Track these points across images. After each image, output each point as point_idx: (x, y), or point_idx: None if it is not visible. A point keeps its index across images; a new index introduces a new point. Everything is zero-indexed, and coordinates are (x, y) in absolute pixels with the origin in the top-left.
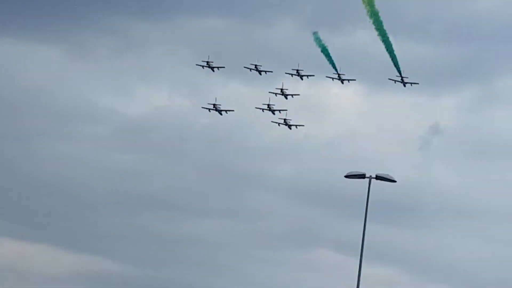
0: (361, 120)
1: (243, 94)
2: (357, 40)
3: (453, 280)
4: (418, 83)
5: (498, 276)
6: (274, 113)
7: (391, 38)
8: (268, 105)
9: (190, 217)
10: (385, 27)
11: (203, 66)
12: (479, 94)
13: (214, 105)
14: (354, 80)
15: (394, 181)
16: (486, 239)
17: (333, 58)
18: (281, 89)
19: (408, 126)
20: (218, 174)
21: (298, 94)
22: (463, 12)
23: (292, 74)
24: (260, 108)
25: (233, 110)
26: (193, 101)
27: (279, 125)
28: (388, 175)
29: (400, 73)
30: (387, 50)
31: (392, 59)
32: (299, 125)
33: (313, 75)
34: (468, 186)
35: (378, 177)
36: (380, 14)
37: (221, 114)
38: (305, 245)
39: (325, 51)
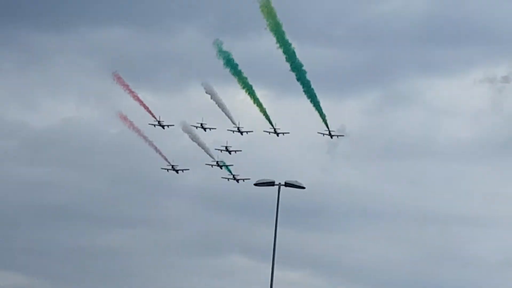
0: (268, 125)
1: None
2: (260, 47)
3: (362, 281)
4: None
5: (405, 277)
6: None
7: (293, 44)
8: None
9: (103, 228)
10: (286, 34)
11: (167, 169)
12: (382, 96)
13: (172, 166)
14: (288, 133)
15: (303, 188)
16: (393, 240)
17: (237, 64)
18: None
19: (315, 131)
20: (129, 184)
21: (240, 150)
22: (365, 16)
23: (233, 131)
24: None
25: (188, 169)
26: (101, 111)
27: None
28: (296, 181)
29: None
30: (286, 56)
31: (291, 66)
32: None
33: (252, 131)
34: (375, 188)
35: (287, 184)
36: (281, 20)
37: (177, 172)
38: (218, 251)
39: (228, 60)
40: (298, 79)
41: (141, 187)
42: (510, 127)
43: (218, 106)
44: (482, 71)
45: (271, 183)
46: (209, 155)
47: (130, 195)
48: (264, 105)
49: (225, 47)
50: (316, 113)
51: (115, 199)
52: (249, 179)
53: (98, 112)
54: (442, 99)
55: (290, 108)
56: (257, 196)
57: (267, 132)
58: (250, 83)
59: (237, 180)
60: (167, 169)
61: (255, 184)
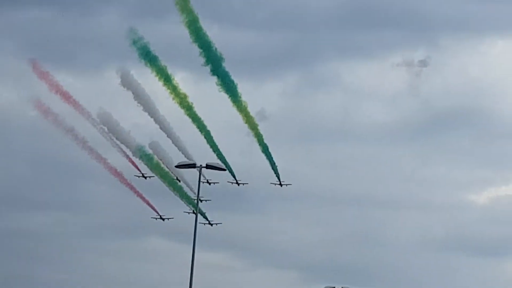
0: (190, 111)
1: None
2: (176, 32)
3: (283, 263)
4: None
5: (324, 258)
6: None
7: (214, 27)
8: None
9: (21, 211)
10: (202, 17)
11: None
12: (302, 79)
13: (160, 216)
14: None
15: (224, 169)
16: (312, 222)
17: (153, 51)
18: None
19: (235, 113)
20: (48, 166)
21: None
22: None
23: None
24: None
25: (172, 218)
26: (19, 94)
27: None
28: (218, 163)
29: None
30: (199, 40)
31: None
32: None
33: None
34: (295, 170)
35: (208, 166)
36: (197, 3)
37: (163, 220)
38: (138, 234)
39: (142, 46)
40: (212, 65)
41: (59, 171)
42: (427, 111)
43: (133, 93)
44: (400, 55)
45: (192, 165)
46: (127, 145)
47: (48, 179)
48: (183, 90)
49: (141, 32)
50: (236, 98)
51: (33, 183)
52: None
53: (16, 95)
54: (361, 82)
55: (208, 93)
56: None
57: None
58: (166, 68)
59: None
60: (156, 218)
61: (176, 166)
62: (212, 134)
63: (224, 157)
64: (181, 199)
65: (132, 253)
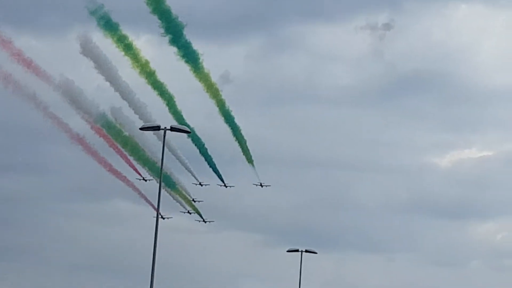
0: (151, 77)
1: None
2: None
3: (249, 226)
4: None
5: (290, 221)
6: None
7: None
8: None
9: None
10: None
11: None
12: (266, 42)
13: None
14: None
15: (189, 132)
16: (277, 185)
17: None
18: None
19: (200, 76)
20: (11, 131)
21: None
22: None
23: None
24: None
25: (171, 217)
26: None
27: None
28: (182, 126)
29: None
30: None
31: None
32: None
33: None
34: (260, 134)
35: (172, 129)
36: None
37: (164, 219)
38: (102, 196)
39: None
40: (172, 35)
41: (22, 135)
42: (390, 74)
43: (94, 60)
44: (364, 18)
45: (157, 127)
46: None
47: (11, 143)
48: (144, 58)
49: (101, 0)
50: (198, 67)
51: None
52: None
53: None
54: (325, 45)
55: (170, 60)
56: (143, 141)
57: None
58: (127, 36)
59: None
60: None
61: (141, 128)
62: (175, 100)
63: (187, 124)
64: (144, 166)
65: (96, 215)
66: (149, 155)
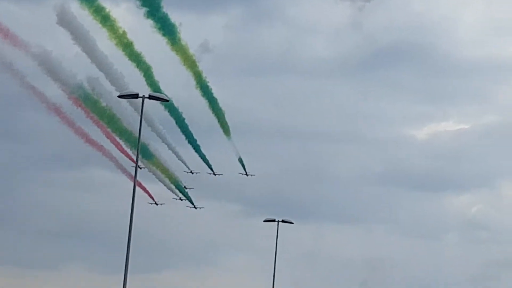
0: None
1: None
2: None
3: (225, 195)
4: None
5: (266, 191)
6: None
7: None
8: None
9: None
10: None
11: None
12: (246, 12)
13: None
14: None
15: (167, 101)
16: (255, 156)
17: None
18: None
19: (177, 49)
20: None
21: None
22: None
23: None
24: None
25: (165, 203)
26: None
27: None
28: (161, 94)
29: None
30: None
31: None
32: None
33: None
34: (239, 104)
35: (151, 97)
36: None
37: (157, 205)
38: (79, 164)
39: None
40: (148, 8)
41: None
42: (369, 46)
43: (70, 31)
44: None
45: (135, 95)
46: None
47: None
48: (122, 28)
49: None
50: (179, 32)
51: None
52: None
53: None
54: (304, 17)
55: (148, 31)
56: (120, 112)
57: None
58: (105, 7)
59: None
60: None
61: (119, 96)
62: (152, 71)
63: (164, 93)
64: (121, 138)
65: (74, 183)
66: (126, 126)
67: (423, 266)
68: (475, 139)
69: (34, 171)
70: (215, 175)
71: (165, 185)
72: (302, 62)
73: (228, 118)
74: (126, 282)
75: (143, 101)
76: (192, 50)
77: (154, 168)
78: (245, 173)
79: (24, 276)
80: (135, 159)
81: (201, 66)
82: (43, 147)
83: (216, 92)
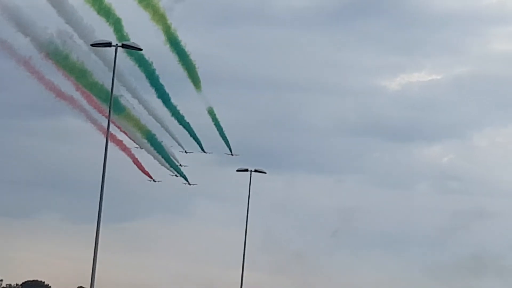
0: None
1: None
2: None
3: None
4: None
5: (240, 141)
6: None
7: None
8: None
9: None
10: None
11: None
12: None
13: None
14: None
15: (140, 49)
16: (228, 105)
17: None
18: None
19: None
20: None
21: None
22: None
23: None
24: None
25: (161, 180)
26: None
27: None
28: (134, 43)
29: None
30: None
31: None
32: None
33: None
34: (211, 53)
35: (124, 46)
36: None
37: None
38: (53, 113)
39: None
40: None
41: None
42: None
43: None
44: None
45: (108, 44)
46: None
47: None
48: None
49: None
50: None
51: None
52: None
53: None
54: None
55: None
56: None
57: None
58: None
59: None
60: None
61: (92, 45)
62: (122, 24)
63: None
64: (92, 92)
65: (48, 132)
66: (97, 79)
67: (395, 216)
68: (447, 89)
69: (6, 119)
70: (205, 152)
71: (134, 139)
72: (276, 11)
73: (200, 68)
74: (99, 231)
75: (116, 49)
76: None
77: (125, 121)
78: (230, 153)
79: None
80: (107, 112)
81: (173, 16)
82: (15, 97)
83: (188, 42)
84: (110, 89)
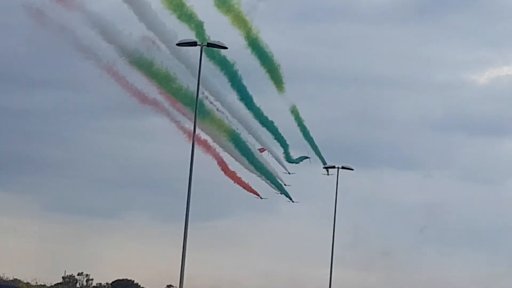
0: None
1: None
2: None
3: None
4: None
5: (325, 137)
6: None
7: None
8: None
9: (22, 88)
10: None
11: None
12: None
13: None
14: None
15: (226, 48)
16: (314, 101)
17: None
18: None
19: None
20: (45, 45)
21: None
22: None
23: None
24: None
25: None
26: None
27: None
28: (219, 42)
29: None
30: None
31: None
32: None
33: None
34: (295, 50)
35: (209, 44)
36: None
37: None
38: (139, 113)
39: None
40: None
41: (59, 49)
42: None
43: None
44: None
45: (194, 43)
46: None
47: (48, 57)
48: None
49: None
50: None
51: (33, 61)
52: None
53: None
54: None
55: None
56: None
57: None
58: None
59: None
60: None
61: (178, 44)
62: (204, 28)
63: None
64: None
65: (132, 132)
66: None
67: (483, 211)
68: None
69: (92, 119)
70: (289, 174)
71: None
72: (360, 7)
73: (284, 66)
74: (187, 230)
75: (201, 49)
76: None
77: (209, 125)
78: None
79: (85, 224)
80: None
81: (256, 14)
82: (103, 95)
83: (271, 40)
84: (193, 93)
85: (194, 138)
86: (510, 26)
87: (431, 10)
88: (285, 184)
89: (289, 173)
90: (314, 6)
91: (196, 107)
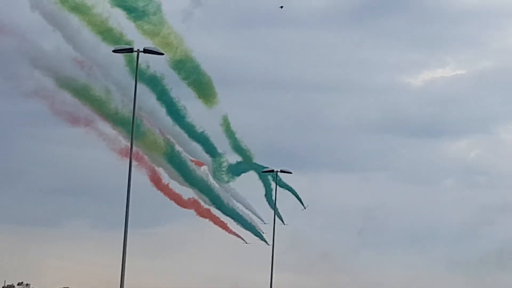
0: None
1: None
2: None
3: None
4: None
5: (263, 141)
6: None
7: None
8: None
9: None
10: None
11: None
12: None
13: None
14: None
15: (162, 54)
16: (252, 106)
17: None
18: None
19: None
20: None
21: None
22: None
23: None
24: None
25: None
26: None
27: None
28: (155, 48)
29: None
30: None
31: None
32: None
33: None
34: (232, 56)
35: (146, 51)
36: None
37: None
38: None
39: None
40: None
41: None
42: None
43: None
44: None
45: (130, 50)
46: None
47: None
48: None
49: None
50: None
51: None
52: None
53: None
54: None
55: None
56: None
57: None
58: None
59: None
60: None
61: (114, 51)
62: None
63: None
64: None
65: (71, 140)
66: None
67: (421, 212)
68: (471, 84)
69: (34, 128)
70: (284, 224)
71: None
72: (296, 12)
73: (220, 73)
74: (126, 238)
75: (138, 55)
76: (183, 4)
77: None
78: (303, 207)
79: (25, 233)
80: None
81: (194, 20)
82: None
83: (211, 45)
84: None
85: (132, 149)
86: (443, 28)
87: (364, 14)
88: (263, 232)
89: (265, 223)
90: (249, 11)
91: (133, 117)
